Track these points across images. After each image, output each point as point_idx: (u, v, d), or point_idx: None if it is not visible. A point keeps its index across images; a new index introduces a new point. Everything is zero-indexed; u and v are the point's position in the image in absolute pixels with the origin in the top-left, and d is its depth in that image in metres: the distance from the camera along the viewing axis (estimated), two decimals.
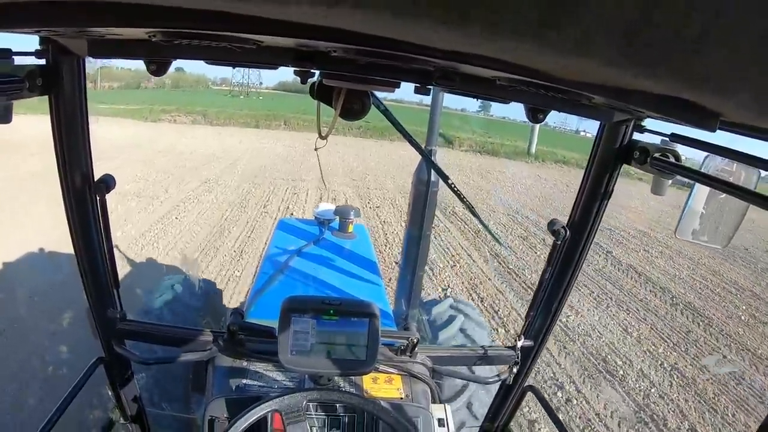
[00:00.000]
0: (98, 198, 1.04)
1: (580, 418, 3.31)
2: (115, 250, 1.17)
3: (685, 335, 4.83)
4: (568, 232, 1.17)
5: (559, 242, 1.17)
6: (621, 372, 3.98)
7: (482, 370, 1.68)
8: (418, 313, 2.58)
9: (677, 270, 6.88)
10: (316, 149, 1.13)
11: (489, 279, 5.32)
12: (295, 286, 2.04)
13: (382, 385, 1.32)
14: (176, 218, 6.11)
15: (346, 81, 0.86)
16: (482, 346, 1.43)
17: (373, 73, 0.79)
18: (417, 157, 2.16)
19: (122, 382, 1.33)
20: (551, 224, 1.19)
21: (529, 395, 1.43)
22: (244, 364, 1.30)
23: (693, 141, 0.81)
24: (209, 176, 8.86)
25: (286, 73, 0.80)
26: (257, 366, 1.30)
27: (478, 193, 9.92)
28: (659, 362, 4.25)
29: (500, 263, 5.89)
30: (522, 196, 10.34)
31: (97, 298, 1.17)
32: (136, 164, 8.69)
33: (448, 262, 5.66)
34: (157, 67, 0.79)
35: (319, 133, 1.08)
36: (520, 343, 1.35)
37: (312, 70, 0.81)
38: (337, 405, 1.16)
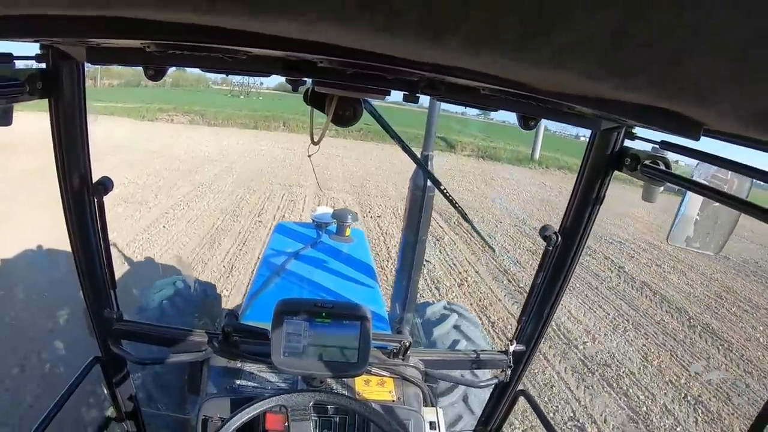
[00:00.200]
0: (96, 200, 1.05)
1: None
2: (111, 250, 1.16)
3: (706, 362, 4.52)
4: (559, 238, 1.17)
5: (550, 248, 1.18)
6: (644, 408, 3.65)
7: (475, 374, 1.66)
8: (412, 317, 2.57)
9: (691, 287, 6.64)
10: (309, 155, 1.15)
11: (499, 300, 4.95)
12: (292, 288, 2.04)
13: (375, 388, 1.33)
14: (164, 227, 5.73)
15: (336, 88, 0.87)
16: (474, 350, 1.43)
17: (362, 81, 0.79)
18: None
19: (118, 382, 1.34)
20: (543, 230, 1.19)
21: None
22: (239, 365, 1.31)
23: (683, 148, 0.81)
24: (203, 180, 8.46)
25: None
26: (251, 367, 1.31)
27: (483, 202, 9.55)
28: (682, 395, 3.93)
29: (510, 281, 5.52)
30: (528, 205, 9.98)
31: (94, 298, 1.18)
32: (127, 166, 8.27)
33: (455, 280, 5.30)
34: (155, 73, 0.80)
35: (312, 139, 1.08)
36: (512, 348, 1.36)
37: (303, 78, 0.82)
38: (329, 406, 1.16)
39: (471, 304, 4.75)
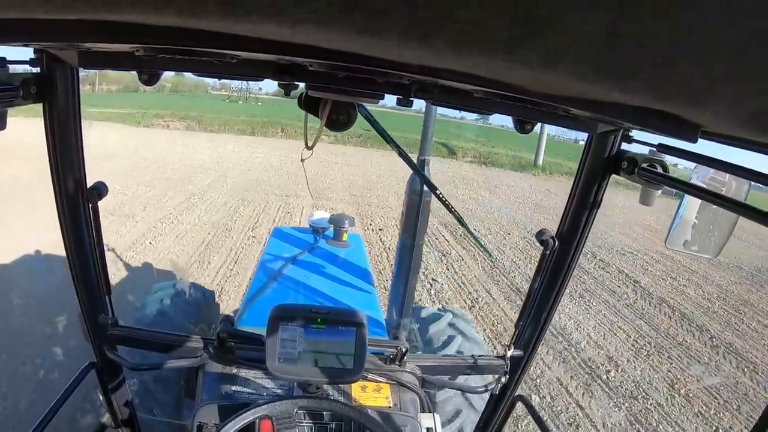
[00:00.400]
0: (90, 205, 1.06)
1: None
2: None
3: (733, 388, 4.19)
4: (556, 243, 1.17)
5: (548, 252, 1.18)
6: None
7: (472, 380, 1.64)
8: (409, 322, 2.54)
9: (708, 300, 6.34)
10: (302, 160, 1.14)
11: (512, 321, 4.56)
12: (289, 293, 2.03)
13: (371, 394, 1.33)
14: (150, 243, 5.34)
15: (329, 92, 0.86)
16: (472, 356, 1.43)
17: (355, 85, 0.79)
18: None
19: (114, 388, 1.34)
20: (540, 234, 1.19)
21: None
22: (234, 370, 1.30)
23: (681, 151, 0.81)
24: (195, 190, 8.08)
25: None
26: (247, 373, 1.31)
27: (489, 212, 9.16)
28: (713, 428, 3.56)
29: (523, 299, 5.12)
30: (535, 214, 9.60)
31: (88, 304, 1.18)
32: (117, 175, 7.89)
33: (465, 302, 4.91)
34: (149, 78, 0.80)
35: (306, 144, 1.08)
36: (509, 353, 1.35)
37: (295, 83, 0.82)
38: (325, 413, 1.15)
39: (484, 329, 4.36)
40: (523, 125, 0.92)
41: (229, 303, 4.19)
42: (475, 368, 1.41)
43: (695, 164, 0.84)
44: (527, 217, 9.27)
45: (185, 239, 5.62)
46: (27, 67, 0.85)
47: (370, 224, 7.05)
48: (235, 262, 5.00)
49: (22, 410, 2.61)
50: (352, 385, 1.31)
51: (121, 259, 4.75)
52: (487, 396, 1.50)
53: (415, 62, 0.35)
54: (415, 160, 2.00)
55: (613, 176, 1.07)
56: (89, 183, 1.05)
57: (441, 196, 1.76)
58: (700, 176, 0.87)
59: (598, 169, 1.07)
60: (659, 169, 0.92)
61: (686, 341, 5.03)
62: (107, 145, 10.06)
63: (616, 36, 0.25)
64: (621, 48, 0.26)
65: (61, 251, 1.09)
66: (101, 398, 1.34)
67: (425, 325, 2.43)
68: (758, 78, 0.28)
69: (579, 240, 1.17)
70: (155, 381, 1.91)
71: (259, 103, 30.83)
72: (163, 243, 5.41)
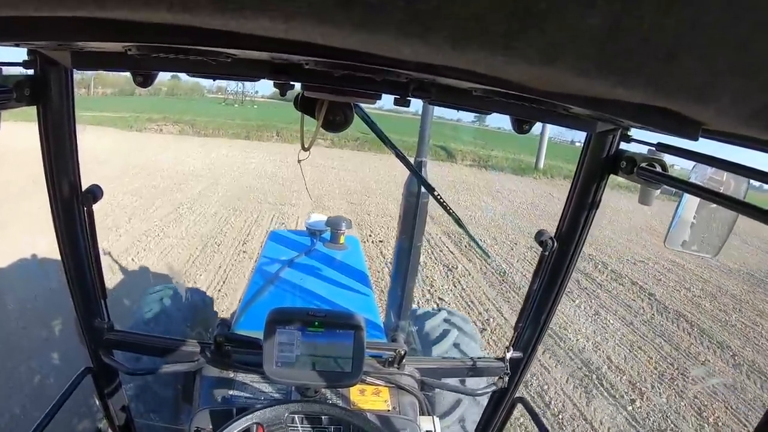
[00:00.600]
0: (85, 208, 1.05)
1: None
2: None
3: (761, 410, 3.90)
4: (555, 243, 1.16)
5: (546, 253, 1.17)
6: None
7: (472, 382, 1.62)
8: (407, 324, 2.52)
9: (725, 312, 6.09)
10: (299, 161, 1.13)
11: None
12: (285, 297, 2.01)
13: (370, 397, 1.31)
14: (133, 259, 4.94)
15: (326, 93, 0.85)
16: (471, 358, 1.41)
17: (352, 85, 0.78)
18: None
19: (110, 392, 1.33)
20: (539, 235, 1.18)
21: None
22: (231, 375, 1.29)
23: (679, 150, 0.81)
24: (184, 199, 7.67)
25: None
26: (244, 377, 1.29)
27: (493, 219, 8.78)
28: None
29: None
30: (540, 221, 9.21)
31: (84, 308, 1.17)
32: (104, 183, 7.45)
33: (477, 325, 4.52)
34: (144, 79, 0.79)
35: (302, 145, 1.08)
36: (509, 355, 1.33)
37: (291, 83, 0.81)
38: (323, 417, 1.14)
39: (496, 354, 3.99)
40: (521, 125, 0.90)
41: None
42: (474, 370, 1.39)
43: (694, 163, 0.83)
44: (533, 224, 8.89)
45: (171, 255, 5.21)
46: (21, 70, 0.85)
47: (370, 235, 6.63)
48: (224, 282, 4.58)
49: (17, 415, 2.57)
50: (351, 388, 1.29)
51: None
52: (486, 398, 1.49)
53: (413, 58, 0.34)
54: (412, 162, 1.99)
55: (616, 179, 1.06)
56: (84, 186, 1.04)
57: (438, 197, 1.73)
58: (699, 175, 0.87)
59: (596, 169, 1.06)
60: (658, 169, 0.91)
61: (709, 360, 4.75)
62: (96, 150, 9.62)
63: (618, 30, 0.24)
64: (624, 42, 0.25)
65: (56, 255, 1.07)
66: (98, 403, 1.32)
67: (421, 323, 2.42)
68: (763, 74, 0.27)
69: (578, 241, 1.16)
70: (152, 385, 1.88)
71: (255, 106, 30.81)
72: (146, 260, 5.00)
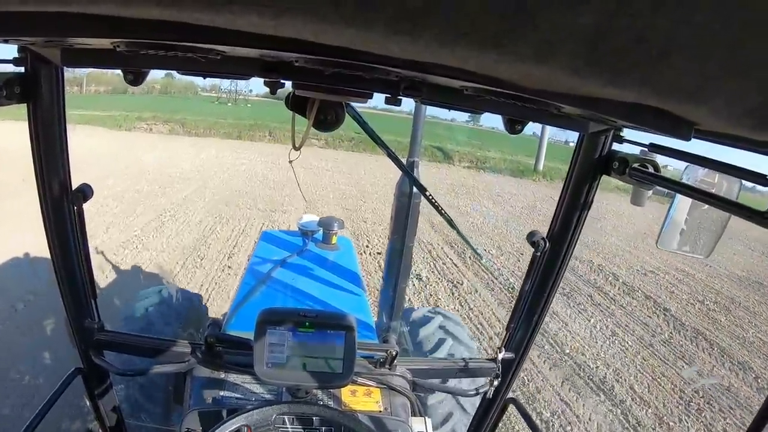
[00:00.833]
0: (75, 208, 1.05)
1: None
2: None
3: None
4: (547, 244, 1.16)
5: (538, 254, 1.17)
6: None
7: (463, 383, 1.62)
8: (399, 325, 2.51)
9: (741, 327, 5.80)
10: (290, 161, 1.12)
11: (547, 380, 3.77)
12: (277, 297, 2.00)
13: (361, 398, 1.31)
14: (106, 276, 4.47)
15: (316, 91, 0.85)
16: (463, 359, 1.42)
17: (342, 84, 0.78)
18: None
19: (101, 393, 1.32)
20: (530, 235, 1.18)
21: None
22: (222, 375, 1.29)
23: (672, 151, 0.81)
24: (168, 205, 7.17)
25: None
26: (235, 378, 1.29)
27: (496, 226, 8.35)
28: None
29: (554, 344, 4.33)
30: (545, 228, 8.80)
31: (74, 308, 1.17)
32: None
33: (487, 352, 4.10)
34: (134, 77, 0.79)
35: (294, 145, 1.08)
36: (500, 356, 1.33)
37: (281, 81, 0.82)
38: (314, 418, 1.13)
39: (521, 395, 3.59)
40: (513, 125, 0.90)
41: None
42: (466, 371, 1.39)
43: (686, 164, 0.83)
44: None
45: (148, 271, 4.74)
46: (11, 67, 0.85)
47: (367, 246, 6.16)
48: (208, 300, 4.10)
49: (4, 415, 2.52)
50: (343, 389, 1.30)
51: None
52: (478, 399, 1.48)
53: (402, 56, 0.33)
54: (404, 162, 1.98)
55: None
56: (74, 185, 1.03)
57: (430, 197, 1.73)
58: (691, 176, 0.86)
59: (589, 170, 1.07)
60: (650, 169, 0.92)
61: (733, 386, 4.43)
62: (79, 151, 9.10)
63: (610, 30, 0.24)
64: (615, 42, 0.25)
65: (45, 254, 1.06)
66: (88, 404, 1.31)
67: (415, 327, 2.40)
68: (756, 74, 0.27)
69: (570, 241, 1.16)
70: (143, 386, 1.86)
71: (249, 105, 30.64)
72: (120, 276, 4.53)
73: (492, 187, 12.72)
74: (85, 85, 26.85)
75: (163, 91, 32.88)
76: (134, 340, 1.30)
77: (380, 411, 1.28)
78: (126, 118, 17.26)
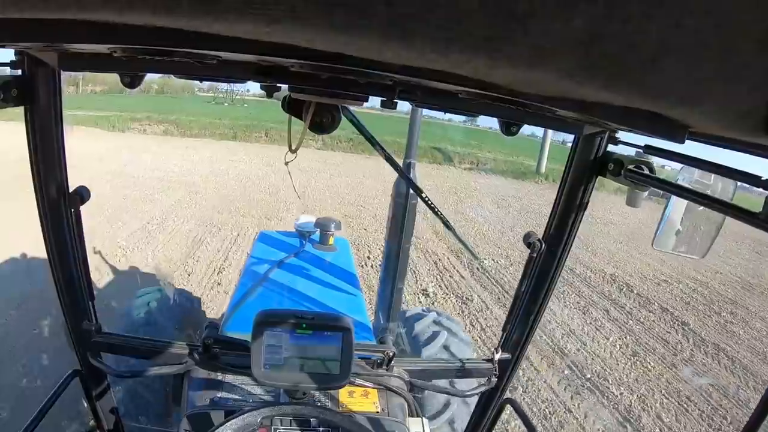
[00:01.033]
0: (73, 210, 1.06)
1: None
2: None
3: None
4: (543, 245, 1.17)
5: (534, 255, 1.18)
6: None
7: (460, 384, 1.62)
8: (396, 326, 2.46)
9: (761, 342, 5.53)
10: (286, 163, 1.13)
11: (569, 411, 3.43)
12: (274, 298, 2.00)
13: (359, 399, 1.32)
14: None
15: (312, 94, 0.86)
16: (460, 360, 1.42)
17: (338, 87, 0.78)
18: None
19: (98, 395, 1.34)
20: (526, 237, 1.19)
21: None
22: (220, 377, 1.30)
23: (667, 152, 0.81)
24: (156, 213, 6.79)
25: None
26: (233, 379, 1.30)
27: (503, 233, 7.98)
28: None
29: (573, 368, 3.98)
30: None
31: (72, 310, 1.18)
32: None
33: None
34: (131, 80, 0.80)
35: (290, 147, 1.09)
36: (497, 356, 1.35)
37: (278, 84, 0.83)
38: (312, 419, 1.14)
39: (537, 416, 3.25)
40: (508, 127, 0.90)
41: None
42: (463, 372, 1.40)
43: (682, 166, 0.83)
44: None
45: (127, 291, 4.37)
46: (8, 70, 0.85)
47: (369, 257, 5.79)
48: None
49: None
50: (340, 390, 1.30)
51: (40, 327, 3.51)
52: (475, 400, 1.49)
53: (396, 62, 0.34)
54: (401, 164, 1.98)
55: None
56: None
57: (426, 199, 1.71)
58: (686, 178, 0.87)
59: (584, 172, 1.07)
60: (646, 171, 0.92)
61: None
62: (68, 153, 8.71)
63: (602, 34, 0.24)
64: (607, 47, 0.25)
65: (42, 256, 1.05)
66: (86, 406, 1.30)
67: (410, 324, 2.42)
68: (747, 78, 0.27)
69: (566, 242, 1.17)
70: (141, 388, 1.87)
71: (245, 105, 30.37)
72: (99, 298, 4.16)
73: (495, 190, 12.40)
74: (81, 85, 26.88)
75: (160, 91, 32.96)
76: (132, 342, 1.30)
77: (377, 412, 1.29)
78: (119, 118, 16.99)
